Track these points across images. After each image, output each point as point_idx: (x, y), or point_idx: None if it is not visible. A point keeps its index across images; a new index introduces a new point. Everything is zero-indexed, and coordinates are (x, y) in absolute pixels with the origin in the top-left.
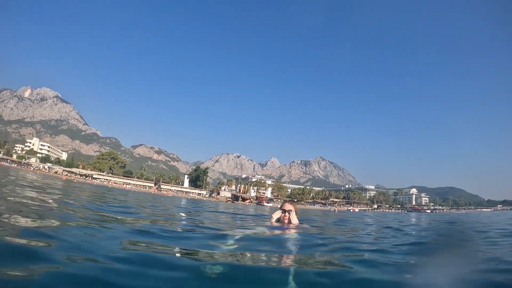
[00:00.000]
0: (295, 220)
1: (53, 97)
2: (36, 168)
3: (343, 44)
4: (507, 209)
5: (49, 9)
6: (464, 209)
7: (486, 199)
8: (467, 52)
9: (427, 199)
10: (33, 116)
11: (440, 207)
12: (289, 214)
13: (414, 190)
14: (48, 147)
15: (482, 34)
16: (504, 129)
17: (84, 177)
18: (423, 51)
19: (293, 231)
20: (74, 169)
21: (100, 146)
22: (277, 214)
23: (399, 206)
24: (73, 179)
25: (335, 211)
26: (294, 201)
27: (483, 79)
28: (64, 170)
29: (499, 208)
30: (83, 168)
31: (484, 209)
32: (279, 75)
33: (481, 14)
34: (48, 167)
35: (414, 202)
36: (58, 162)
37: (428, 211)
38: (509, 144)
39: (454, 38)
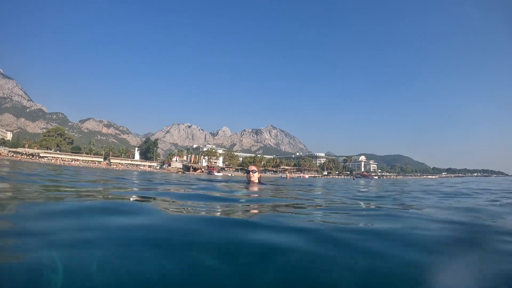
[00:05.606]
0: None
1: None
2: None
3: (291, 18)
4: (451, 176)
5: None
6: (411, 175)
7: (431, 167)
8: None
9: (375, 166)
10: None
11: (388, 174)
12: (253, 173)
13: (363, 158)
14: None
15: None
16: (451, 102)
17: (30, 157)
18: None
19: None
20: (20, 149)
21: (46, 122)
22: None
23: (348, 172)
24: (19, 159)
25: (287, 177)
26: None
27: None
28: (9, 151)
29: (443, 176)
30: (29, 147)
31: (429, 176)
32: (228, 43)
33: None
34: None
35: (363, 169)
36: (3, 142)
37: (376, 177)
38: (455, 117)
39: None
